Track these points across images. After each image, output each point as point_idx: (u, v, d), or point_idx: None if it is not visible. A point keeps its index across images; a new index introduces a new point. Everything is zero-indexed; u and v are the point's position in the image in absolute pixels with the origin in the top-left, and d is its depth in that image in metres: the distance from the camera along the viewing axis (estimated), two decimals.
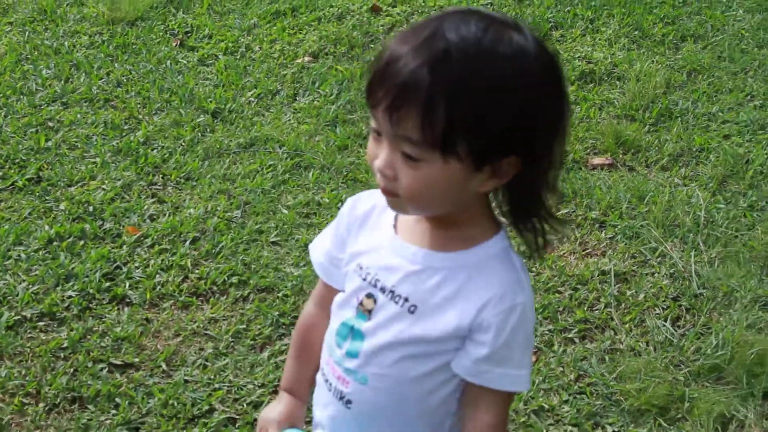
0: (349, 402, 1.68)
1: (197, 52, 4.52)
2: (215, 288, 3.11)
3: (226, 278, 3.13)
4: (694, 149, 4.03)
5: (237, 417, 2.67)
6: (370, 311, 1.66)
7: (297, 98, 4.22)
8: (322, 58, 4.53)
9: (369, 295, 1.66)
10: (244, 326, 2.97)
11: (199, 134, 3.89)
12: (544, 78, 1.52)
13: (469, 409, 1.64)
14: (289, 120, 4.04)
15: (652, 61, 4.64)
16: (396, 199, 1.55)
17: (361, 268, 1.67)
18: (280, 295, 3.09)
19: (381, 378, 1.65)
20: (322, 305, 1.82)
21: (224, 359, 2.85)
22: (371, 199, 1.72)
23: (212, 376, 2.78)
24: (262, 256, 3.25)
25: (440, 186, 1.52)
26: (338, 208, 3.34)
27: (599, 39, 4.82)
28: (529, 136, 1.50)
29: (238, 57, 4.49)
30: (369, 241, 1.68)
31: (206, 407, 2.68)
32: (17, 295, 3.01)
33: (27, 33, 4.55)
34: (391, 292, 1.63)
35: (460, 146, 1.47)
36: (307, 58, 4.50)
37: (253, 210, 3.47)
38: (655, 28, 4.97)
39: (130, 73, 4.28)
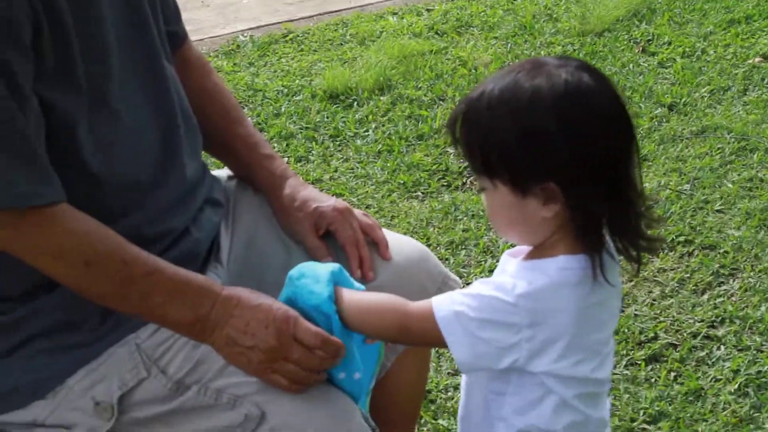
0: None
1: (657, 56, 4.92)
2: (664, 245, 3.50)
3: (674, 237, 3.52)
4: None
5: (677, 343, 3.06)
6: None
7: (747, 93, 4.51)
8: None
9: None
10: (688, 275, 3.34)
11: (656, 123, 4.30)
12: (564, 118, 1.55)
13: None
14: (738, 111, 4.35)
15: None
16: None
17: None
18: (721, 251, 3.44)
19: None
20: None
21: (669, 300, 3.24)
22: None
23: (658, 312, 3.19)
24: (707, 220, 3.61)
25: (500, 209, 1.66)
26: None
27: None
28: (555, 164, 1.57)
29: (693, 59, 4.84)
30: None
31: (651, 334, 3.09)
32: (499, 245, 3.54)
33: (509, 45, 5.14)
34: None
35: (500, 172, 1.60)
36: (757, 59, 4.77)
37: (701, 184, 3.82)
38: None
39: None
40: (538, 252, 1.68)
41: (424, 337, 1.72)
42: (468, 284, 3.33)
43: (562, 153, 1.56)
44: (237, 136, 2.21)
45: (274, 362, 1.76)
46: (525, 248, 1.75)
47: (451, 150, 4.17)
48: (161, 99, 1.96)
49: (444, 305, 1.65)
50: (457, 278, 2.25)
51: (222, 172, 2.28)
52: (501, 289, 1.61)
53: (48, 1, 1.68)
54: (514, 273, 1.67)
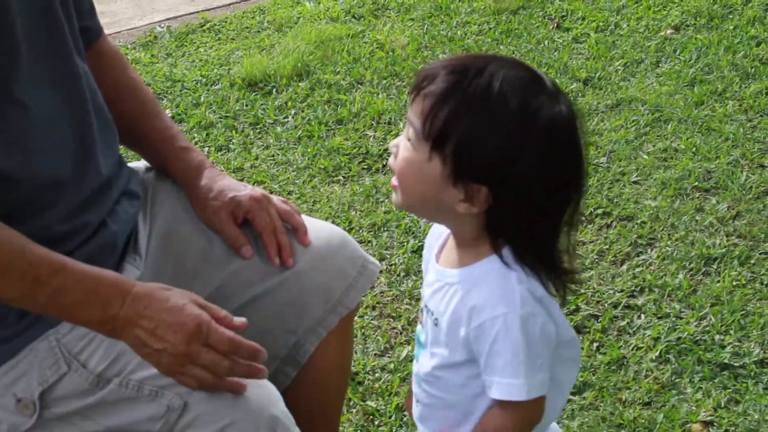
0: (417, 399, 1.84)
1: (571, 32, 4.96)
2: (583, 218, 3.54)
3: (592, 210, 3.56)
4: None
5: (598, 314, 3.10)
6: (422, 323, 1.79)
7: (659, 65, 4.57)
8: (683, 30, 4.85)
9: (421, 311, 1.79)
10: (607, 247, 3.39)
11: (572, 98, 4.34)
12: (542, 144, 1.54)
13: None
14: (652, 83, 4.41)
15: None
16: (394, 187, 1.67)
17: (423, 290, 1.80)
18: (638, 222, 3.49)
19: (430, 381, 1.77)
20: None
21: (589, 272, 3.28)
22: (429, 239, 1.85)
23: (578, 284, 3.23)
24: (624, 192, 3.66)
25: (417, 176, 1.60)
26: (693, 153, 3.73)
27: None
28: (503, 178, 1.54)
29: (607, 34, 4.90)
30: (430, 266, 1.80)
31: (573, 307, 3.11)
32: (421, 227, 3.54)
33: (426, 26, 5.14)
34: (426, 306, 1.75)
35: (446, 151, 1.55)
36: (669, 31, 4.84)
37: (617, 157, 3.87)
38: None
39: (513, 53, 4.78)
40: (474, 253, 1.66)
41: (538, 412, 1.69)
42: (392, 265, 3.38)
43: (526, 171, 1.54)
44: (153, 130, 2.21)
45: (182, 366, 1.75)
46: (448, 252, 1.74)
47: (370, 133, 4.19)
48: (73, 96, 1.94)
49: (503, 386, 1.63)
50: (377, 261, 2.26)
51: (140, 164, 2.27)
52: (521, 319, 1.59)
53: None
54: (485, 285, 1.63)
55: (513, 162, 1.54)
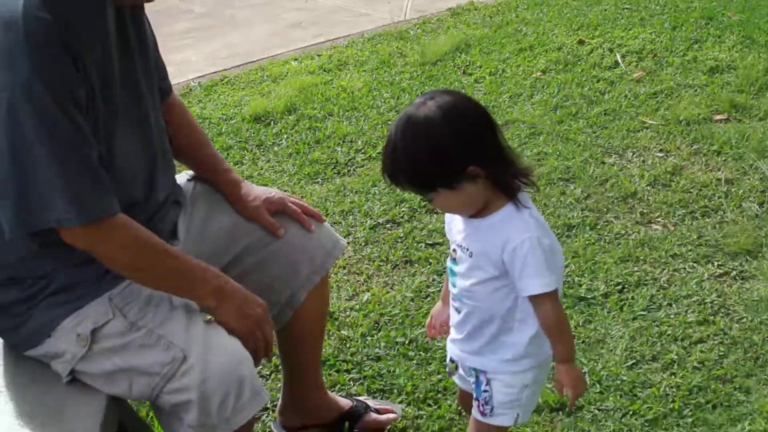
0: (458, 310, 1.84)
1: (473, 76, 4.93)
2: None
3: None
4: None
5: None
6: (455, 259, 1.79)
7: (533, 96, 4.56)
8: (547, 73, 4.84)
9: (454, 250, 1.78)
10: None
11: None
12: (453, 133, 1.57)
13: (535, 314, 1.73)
14: (529, 109, 4.40)
15: (759, 56, 4.64)
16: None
17: (452, 237, 1.81)
18: None
19: (467, 295, 1.78)
20: None
21: None
22: None
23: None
24: None
25: (449, 203, 1.67)
26: (557, 155, 3.72)
27: (723, 47, 4.86)
28: (464, 154, 1.58)
29: (497, 76, 4.87)
30: (455, 223, 1.80)
31: None
32: (375, 212, 3.57)
33: (374, 75, 5.09)
34: (460, 246, 1.76)
35: (434, 184, 1.62)
36: (538, 74, 4.83)
37: None
38: (761, 38, 4.93)
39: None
40: (493, 207, 1.68)
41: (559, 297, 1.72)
42: (356, 238, 3.38)
43: (462, 151, 1.57)
44: (204, 156, 2.24)
45: (256, 328, 1.85)
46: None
47: (339, 149, 4.18)
48: (146, 146, 1.96)
49: (538, 284, 1.65)
50: (344, 239, 2.31)
51: (182, 175, 2.27)
52: (539, 239, 1.63)
53: (89, 77, 1.69)
54: (496, 225, 1.67)
55: (452, 147, 1.57)
